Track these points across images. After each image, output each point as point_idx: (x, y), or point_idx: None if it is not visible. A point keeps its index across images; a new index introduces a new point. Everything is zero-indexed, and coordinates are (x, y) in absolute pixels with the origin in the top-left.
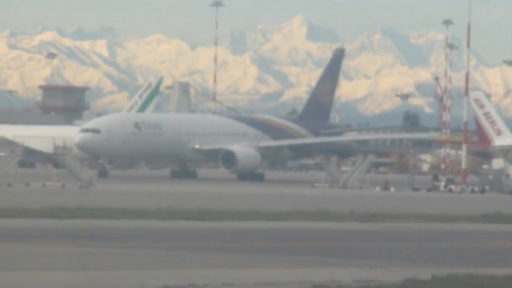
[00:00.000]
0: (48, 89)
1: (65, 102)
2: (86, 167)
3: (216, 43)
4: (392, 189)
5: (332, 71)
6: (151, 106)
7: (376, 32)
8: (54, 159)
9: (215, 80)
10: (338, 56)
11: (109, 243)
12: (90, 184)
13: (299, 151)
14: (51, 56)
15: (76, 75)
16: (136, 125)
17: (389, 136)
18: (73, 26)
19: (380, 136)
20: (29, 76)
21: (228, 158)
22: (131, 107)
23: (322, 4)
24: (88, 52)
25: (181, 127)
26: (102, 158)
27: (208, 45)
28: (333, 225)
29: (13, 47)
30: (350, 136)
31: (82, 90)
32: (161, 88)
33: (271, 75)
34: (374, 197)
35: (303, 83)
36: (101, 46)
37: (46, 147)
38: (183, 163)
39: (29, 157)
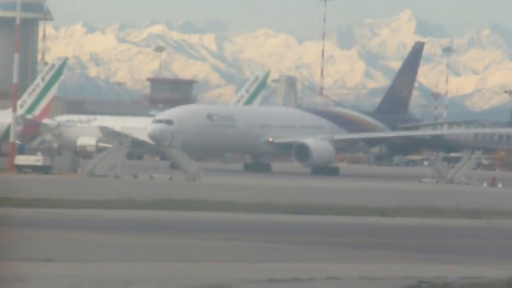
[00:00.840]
0: (156, 82)
1: (172, 95)
2: (192, 160)
3: (323, 37)
4: (499, 185)
5: (411, 65)
6: (258, 100)
7: (485, 27)
8: (161, 151)
9: (322, 75)
10: (418, 50)
11: (215, 235)
12: (197, 176)
13: (374, 145)
14: (159, 49)
15: (183, 68)
16: (209, 116)
17: (479, 130)
18: (182, 19)
19: (468, 131)
20: (137, 69)
21: (302, 152)
22: (238, 100)
23: None
24: (196, 46)
25: (254, 119)
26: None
27: (315, 40)
28: (439, 221)
29: (122, 40)
30: (427, 131)
31: (189, 83)
32: (268, 81)
33: (378, 70)
34: (481, 194)
35: None
36: (209, 40)
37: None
38: (256, 156)
39: (137, 149)
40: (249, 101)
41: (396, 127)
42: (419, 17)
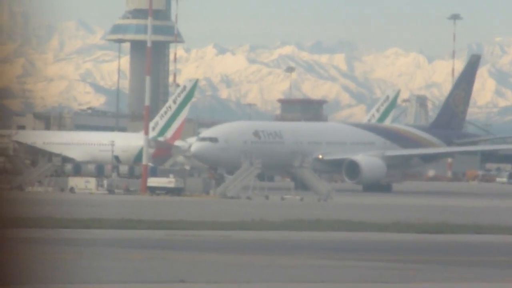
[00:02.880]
0: (287, 102)
1: (303, 115)
2: (323, 180)
3: (453, 56)
4: None
5: (467, 79)
6: (388, 119)
7: None
8: (292, 172)
9: None
10: (474, 63)
11: (348, 255)
12: (328, 197)
13: (430, 161)
14: (289, 70)
15: (314, 88)
16: (256, 133)
17: None
18: (312, 39)
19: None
20: (268, 89)
21: (352, 169)
22: (369, 120)
23: None
24: (326, 66)
25: (303, 136)
26: (220, 168)
27: (445, 58)
28: None
29: (252, 61)
30: (483, 146)
31: (320, 103)
32: (398, 101)
33: (509, 88)
34: None
35: None
36: (339, 59)
37: None
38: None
39: (268, 170)
40: (379, 121)
41: (451, 142)
42: None
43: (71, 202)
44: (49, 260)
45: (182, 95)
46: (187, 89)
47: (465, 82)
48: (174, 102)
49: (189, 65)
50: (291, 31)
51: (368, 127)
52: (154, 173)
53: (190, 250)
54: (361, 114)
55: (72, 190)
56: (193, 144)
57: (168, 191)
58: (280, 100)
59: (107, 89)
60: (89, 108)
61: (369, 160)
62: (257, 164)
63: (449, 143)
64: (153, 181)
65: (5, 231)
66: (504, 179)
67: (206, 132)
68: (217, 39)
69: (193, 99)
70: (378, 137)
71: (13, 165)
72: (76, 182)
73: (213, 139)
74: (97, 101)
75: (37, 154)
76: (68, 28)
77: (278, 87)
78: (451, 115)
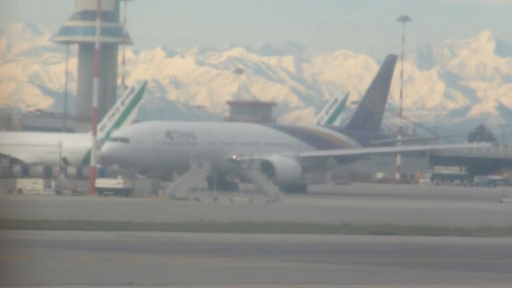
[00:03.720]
0: (236, 105)
1: (252, 117)
2: (271, 182)
3: (402, 58)
4: None
5: (383, 79)
6: (337, 121)
7: None
8: (241, 174)
9: (401, 96)
10: (390, 63)
11: (297, 257)
12: (277, 198)
13: (345, 162)
14: (238, 71)
15: (263, 90)
16: (168, 134)
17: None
18: (261, 42)
19: (434, 146)
20: (217, 91)
21: (267, 169)
22: (318, 122)
23: (511, 19)
24: (275, 68)
25: (216, 136)
26: (132, 169)
27: None
28: None
29: (201, 63)
30: (400, 147)
31: (268, 106)
32: (347, 103)
33: (458, 91)
34: None
35: (491, 98)
36: (288, 61)
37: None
38: (221, 175)
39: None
40: (329, 123)
41: (368, 143)
42: (499, 38)
43: (19, 203)
44: None
45: (131, 97)
46: (136, 90)
47: (381, 82)
48: (123, 103)
49: (137, 67)
50: (240, 33)
51: (283, 128)
52: (102, 174)
53: (139, 252)
54: (310, 116)
55: (20, 191)
56: (104, 144)
57: (116, 192)
58: (229, 102)
59: (55, 91)
60: (37, 110)
61: (283, 160)
62: (206, 166)
63: (365, 144)
64: (101, 182)
65: None
66: (427, 180)
67: (117, 132)
68: (166, 41)
69: (142, 101)
70: (293, 138)
71: None
72: (24, 183)
73: (124, 140)
74: (45, 103)
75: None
76: (15, 29)
77: (227, 89)
78: (368, 116)
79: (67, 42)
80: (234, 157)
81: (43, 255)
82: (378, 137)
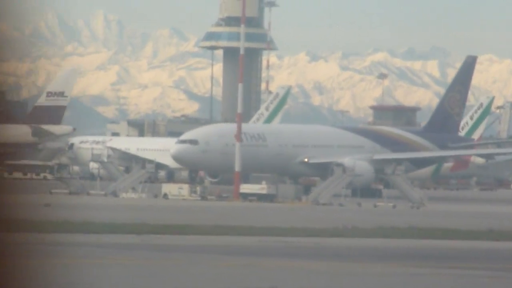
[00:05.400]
0: (379, 109)
1: (395, 122)
2: (417, 188)
3: None
4: None
5: (462, 81)
6: (482, 126)
7: None
8: (385, 179)
9: None
10: (469, 64)
11: (442, 264)
12: (421, 204)
13: (421, 165)
14: (382, 76)
15: (406, 95)
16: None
17: None
18: (404, 46)
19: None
20: (360, 96)
21: None
22: (462, 128)
23: None
24: (419, 73)
25: (287, 139)
26: (201, 171)
27: None
28: None
29: (345, 68)
30: (477, 151)
31: (412, 110)
32: (492, 108)
33: None
34: None
35: None
36: (432, 66)
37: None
38: (293, 178)
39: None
40: (473, 129)
41: (446, 146)
42: None
43: (164, 208)
44: (140, 266)
45: (275, 102)
46: (280, 96)
47: (461, 84)
48: (267, 109)
49: (282, 72)
50: (383, 37)
51: (357, 131)
52: (246, 179)
53: (282, 257)
54: None
55: (165, 196)
56: (173, 146)
57: (260, 197)
58: (372, 107)
59: (200, 96)
60: (183, 115)
61: (356, 163)
62: (350, 172)
63: (443, 147)
64: (245, 188)
65: (99, 236)
66: None
67: (186, 135)
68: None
69: (286, 106)
70: (367, 141)
71: (107, 171)
72: (169, 188)
73: (193, 142)
74: (191, 108)
75: (131, 161)
76: (162, 35)
77: (370, 94)
78: (446, 118)
79: (212, 48)
80: (305, 159)
81: (188, 260)
82: (458, 140)
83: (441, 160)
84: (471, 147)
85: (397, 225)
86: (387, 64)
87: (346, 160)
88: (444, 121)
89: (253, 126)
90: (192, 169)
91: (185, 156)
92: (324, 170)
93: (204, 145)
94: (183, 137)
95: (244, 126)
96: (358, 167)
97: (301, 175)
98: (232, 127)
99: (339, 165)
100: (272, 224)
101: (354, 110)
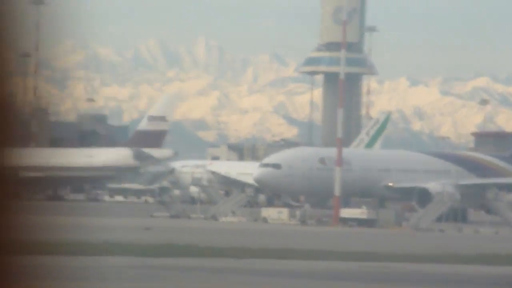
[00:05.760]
0: (480, 136)
1: (497, 148)
2: None
3: None
4: None
5: None
6: None
7: None
8: (487, 205)
9: None
10: None
11: None
12: None
13: (509, 191)
14: (483, 102)
15: (509, 121)
16: (322, 160)
17: None
18: (507, 71)
19: None
20: (461, 122)
21: (423, 197)
22: None
23: None
24: None
25: (372, 162)
26: (284, 195)
27: None
28: None
29: (445, 93)
30: None
31: None
32: None
33: None
34: None
35: None
36: None
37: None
38: (379, 201)
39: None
40: None
41: None
42: None
43: (264, 232)
44: None
45: (375, 127)
46: (380, 121)
47: None
48: (367, 134)
49: (382, 97)
50: (485, 62)
51: (442, 156)
52: (347, 204)
53: (382, 282)
54: None
55: (265, 220)
56: (256, 170)
57: (360, 222)
58: (473, 133)
59: (300, 121)
60: (282, 140)
61: (441, 188)
62: (451, 197)
63: None
64: (345, 212)
65: (200, 260)
66: None
67: (269, 158)
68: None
69: (386, 131)
70: (452, 166)
71: (208, 195)
72: (269, 212)
73: (276, 166)
74: (290, 132)
75: (230, 185)
76: (262, 60)
77: (471, 120)
78: None
79: (312, 73)
80: (390, 184)
81: (287, 285)
82: None
83: None
84: None
85: (499, 251)
86: (489, 89)
87: (432, 185)
88: None
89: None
90: (275, 193)
91: (267, 180)
92: (408, 194)
93: (287, 169)
94: (266, 161)
95: (329, 150)
96: (444, 192)
97: (385, 199)
98: (316, 150)
99: (423, 190)
100: (372, 249)
101: (455, 137)
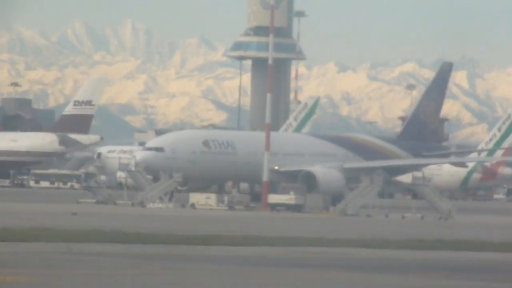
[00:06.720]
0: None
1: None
2: (445, 198)
3: None
4: None
5: (438, 88)
6: (510, 139)
7: None
8: (413, 189)
9: None
10: (445, 71)
11: (468, 276)
12: (449, 215)
13: (395, 174)
14: (410, 87)
15: None
16: (206, 143)
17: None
18: (433, 57)
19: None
20: (388, 107)
21: (309, 180)
22: (490, 139)
23: None
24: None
25: (257, 146)
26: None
27: None
28: None
29: (373, 78)
30: (452, 159)
31: (440, 122)
32: None
33: None
34: None
35: None
36: (461, 77)
37: (404, 177)
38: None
39: (388, 187)
40: (501, 140)
41: (420, 155)
42: None
43: (191, 219)
44: (167, 276)
45: (303, 113)
46: (308, 106)
47: (436, 91)
48: (295, 119)
49: (310, 82)
50: (412, 48)
51: (329, 138)
52: (274, 190)
53: (309, 268)
54: (483, 133)
55: (193, 206)
56: (138, 153)
57: (288, 207)
58: (401, 118)
59: (228, 106)
60: (210, 125)
61: (326, 171)
62: (378, 182)
63: (417, 155)
64: (273, 198)
65: (128, 246)
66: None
67: (152, 142)
68: (339, 57)
69: (314, 116)
70: (339, 148)
71: (135, 181)
72: (197, 198)
73: (159, 149)
74: (218, 117)
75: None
76: (190, 44)
77: (399, 104)
78: (420, 127)
79: (241, 58)
80: (276, 168)
81: (214, 270)
82: (432, 148)
83: (414, 168)
84: (447, 155)
85: (424, 237)
86: (415, 74)
87: (316, 168)
88: (418, 129)
89: (223, 133)
90: (157, 176)
91: (149, 163)
92: (294, 178)
93: (170, 152)
94: (149, 144)
95: (214, 132)
96: (329, 175)
97: (271, 183)
98: (201, 133)
99: (308, 173)
100: (298, 234)
101: (382, 121)
